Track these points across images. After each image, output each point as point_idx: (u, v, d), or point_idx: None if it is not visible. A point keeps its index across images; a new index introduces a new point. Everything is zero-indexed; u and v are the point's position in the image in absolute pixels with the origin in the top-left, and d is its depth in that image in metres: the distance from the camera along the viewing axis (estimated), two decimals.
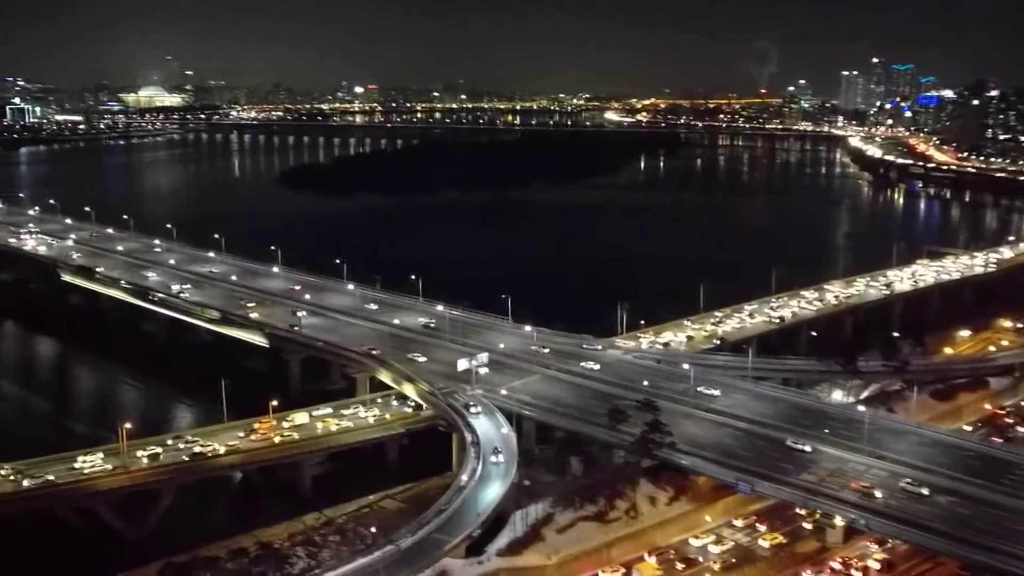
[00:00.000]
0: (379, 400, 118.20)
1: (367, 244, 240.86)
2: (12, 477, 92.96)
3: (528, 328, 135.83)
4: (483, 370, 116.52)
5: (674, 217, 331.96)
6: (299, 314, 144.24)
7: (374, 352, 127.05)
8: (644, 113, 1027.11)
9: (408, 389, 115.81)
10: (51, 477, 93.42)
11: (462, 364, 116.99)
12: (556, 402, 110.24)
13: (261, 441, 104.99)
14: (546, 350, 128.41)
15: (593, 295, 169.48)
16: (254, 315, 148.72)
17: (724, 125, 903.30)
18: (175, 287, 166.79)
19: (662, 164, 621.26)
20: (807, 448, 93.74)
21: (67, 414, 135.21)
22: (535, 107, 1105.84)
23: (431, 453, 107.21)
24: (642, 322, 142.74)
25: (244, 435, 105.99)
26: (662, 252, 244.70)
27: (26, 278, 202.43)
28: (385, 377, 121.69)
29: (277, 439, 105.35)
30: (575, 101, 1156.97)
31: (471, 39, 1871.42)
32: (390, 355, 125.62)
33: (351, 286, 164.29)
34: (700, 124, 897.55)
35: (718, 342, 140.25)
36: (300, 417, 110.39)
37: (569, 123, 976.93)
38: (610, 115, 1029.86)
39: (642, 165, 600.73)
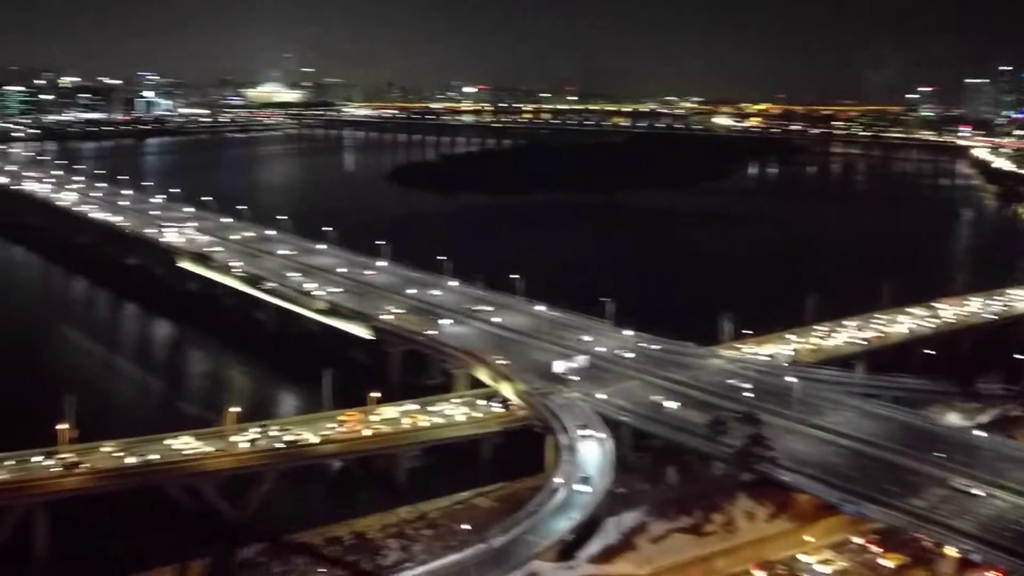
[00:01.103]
0: (471, 398, 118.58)
1: (470, 242, 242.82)
2: (118, 453, 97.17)
3: (629, 332, 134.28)
4: (581, 373, 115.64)
5: (783, 225, 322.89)
6: (441, 321, 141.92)
7: (473, 349, 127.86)
8: (756, 118, 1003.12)
9: (505, 388, 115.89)
10: (156, 457, 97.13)
11: (559, 366, 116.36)
12: (654, 409, 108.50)
13: (350, 433, 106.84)
14: (646, 355, 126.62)
15: (696, 302, 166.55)
16: (360, 308, 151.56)
17: (839, 132, 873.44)
18: (310, 285, 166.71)
19: (773, 171, 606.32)
20: (979, 492, 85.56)
21: (178, 395, 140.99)
22: (643, 110, 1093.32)
23: (525, 453, 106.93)
24: (745, 332, 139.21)
25: (334, 426, 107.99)
26: (768, 261, 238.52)
27: (149, 263, 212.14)
28: (483, 375, 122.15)
29: (367, 432, 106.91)
30: (685, 104, 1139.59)
31: (581, 40, 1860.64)
32: (488, 353, 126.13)
33: (453, 283, 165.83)
34: (814, 131, 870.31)
35: (824, 356, 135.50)
36: (389, 411, 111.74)
37: (678, 127, 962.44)
38: (720, 119, 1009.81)
39: (752, 171, 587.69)
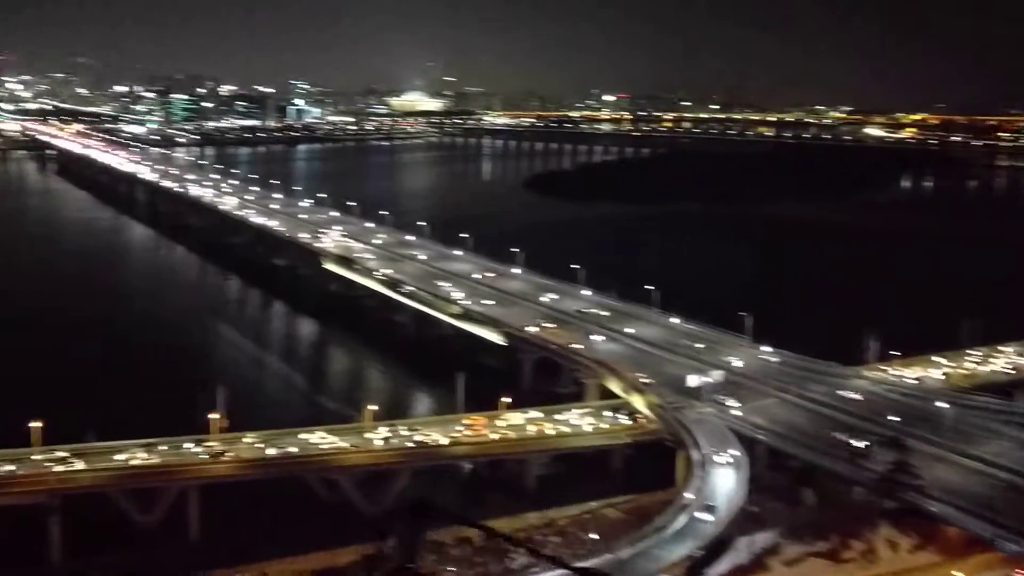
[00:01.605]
0: (597, 408, 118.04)
1: (606, 251, 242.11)
2: (259, 444, 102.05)
3: (767, 348, 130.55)
4: (716, 388, 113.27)
5: (937, 242, 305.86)
6: (592, 336, 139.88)
7: (605, 360, 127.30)
8: (911, 129, 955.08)
9: (637, 400, 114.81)
10: (294, 449, 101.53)
11: (693, 380, 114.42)
12: (792, 428, 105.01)
13: (476, 436, 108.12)
14: (785, 372, 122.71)
15: (840, 320, 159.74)
16: (493, 313, 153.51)
17: (1006, 144, 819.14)
18: (446, 290, 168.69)
19: (929, 184, 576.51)
20: None
21: (318, 390, 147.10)
22: (789, 119, 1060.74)
23: (655, 467, 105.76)
24: (892, 353, 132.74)
25: (461, 429, 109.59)
26: (919, 279, 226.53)
27: (296, 265, 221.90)
28: (614, 386, 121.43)
29: (493, 436, 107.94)
30: (833, 114, 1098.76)
31: (725, 48, 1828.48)
32: (621, 364, 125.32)
33: (586, 291, 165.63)
34: (976, 143, 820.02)
35: (979, 382, 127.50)
36: (515, 417, 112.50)
37: (825, 137, 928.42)
38: (871, 130, 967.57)
39: (906, 185, 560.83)
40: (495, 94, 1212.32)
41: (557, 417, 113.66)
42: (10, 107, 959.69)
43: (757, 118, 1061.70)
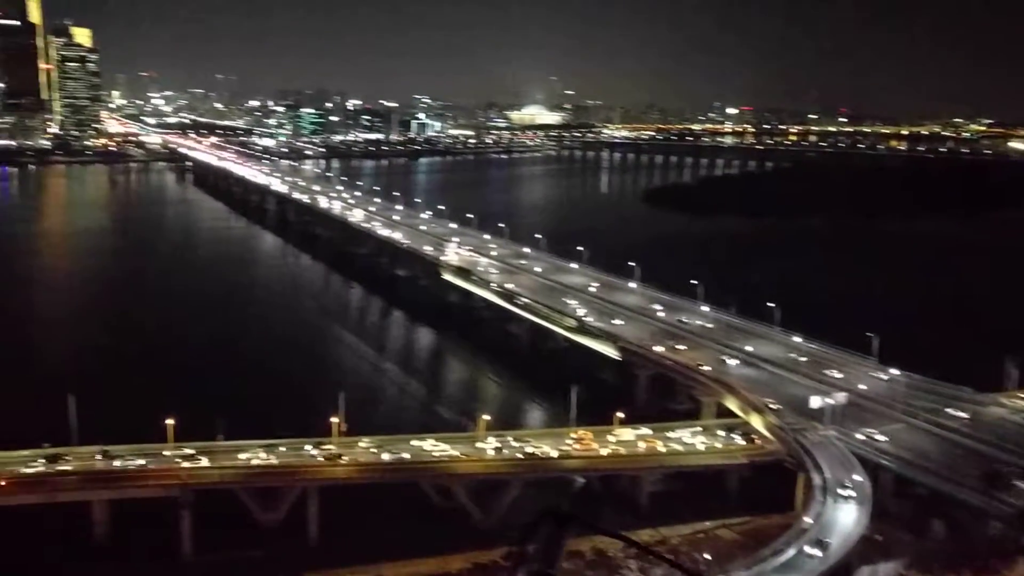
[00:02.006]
0: (710, 427, 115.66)
1: (725, 266, 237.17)
2: (374, 449, 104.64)
3: (895, 371, 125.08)
4: (839, 410, 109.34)
5: None
6: (729, 361, 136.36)
7: (722, 377, 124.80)
8: None
9: (755, 420, 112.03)
10: (407, 456, 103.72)
11: (816, 401, 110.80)
12: (920, 455, 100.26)
13: (586, 450, 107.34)
14: (913, 396, 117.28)
15: (976, 344, 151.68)
16: (608, 327, 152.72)
17: None
18: (562, 303, 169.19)
19: None
20: None
21: (433, 398, 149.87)
22: (924, 132, 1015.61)
23: (773, 489, 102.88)
24: None
25: (571, 442, 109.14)
26: None
27: (416, 275, 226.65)
28: (732, 404, 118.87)
29: (603, 451, 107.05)
30: (973, 127, 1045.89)
31: (853, 61, 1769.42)
32: (739, 382, 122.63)
33: (706, 308, 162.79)
34: None
35: None
36: (626, 433, 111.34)
37: (964, 151, 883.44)
38: (1016, 144, 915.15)
39: None
40: (615, 107, 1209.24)
41: (668, 435, 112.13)
42: (152, 121, 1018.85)
43: (889, 131, 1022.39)
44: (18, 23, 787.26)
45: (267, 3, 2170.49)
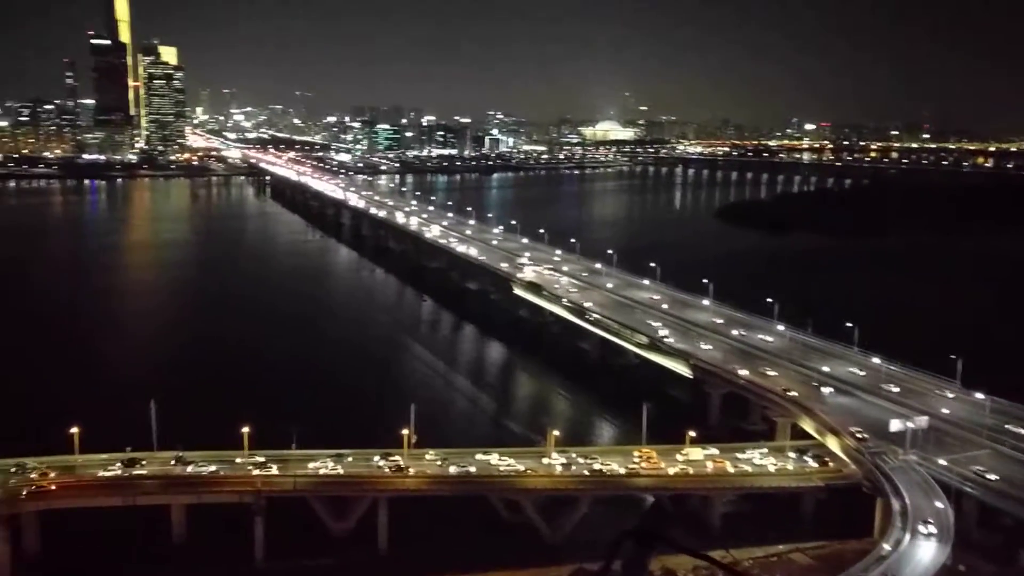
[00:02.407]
0: (780, 449, 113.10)
1: (800, 285, 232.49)
2: (438, 462, 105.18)
3: (980, 395, 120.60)
4: (920, 435, 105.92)
5: None
6: (823, 389, 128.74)
7: (796, 396, 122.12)
8: None
9: (832, 442, 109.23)
10: (472, 469, 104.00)
11: (896, 425, 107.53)
12: (1010, 483, 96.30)
13: (653, 468, 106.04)
14: (1000, 422, 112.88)
15: None
16: (680, 345, 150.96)
17: None
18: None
19: None
20: None
21: (502, 412, 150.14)
22: (1013, 149, 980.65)
23: (850, 514, 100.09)
24: None
25: (638, 460, 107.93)
26: None
27: (487, 289, 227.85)
28: (807, 425, 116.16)
29: (671, 470, 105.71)
30: None
31: (939, 75, 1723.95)
32: (815, 403, 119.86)
33: (780, 326, 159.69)
34: None
35: None
36: (695, 453, 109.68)
37: None
38: None
39: None
40: (689, 123, 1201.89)
41: (737, 455, 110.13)
42: (233, 136, 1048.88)
43: (975, 148, 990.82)
44: (109, 42, 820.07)
45: (346, 23, 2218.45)
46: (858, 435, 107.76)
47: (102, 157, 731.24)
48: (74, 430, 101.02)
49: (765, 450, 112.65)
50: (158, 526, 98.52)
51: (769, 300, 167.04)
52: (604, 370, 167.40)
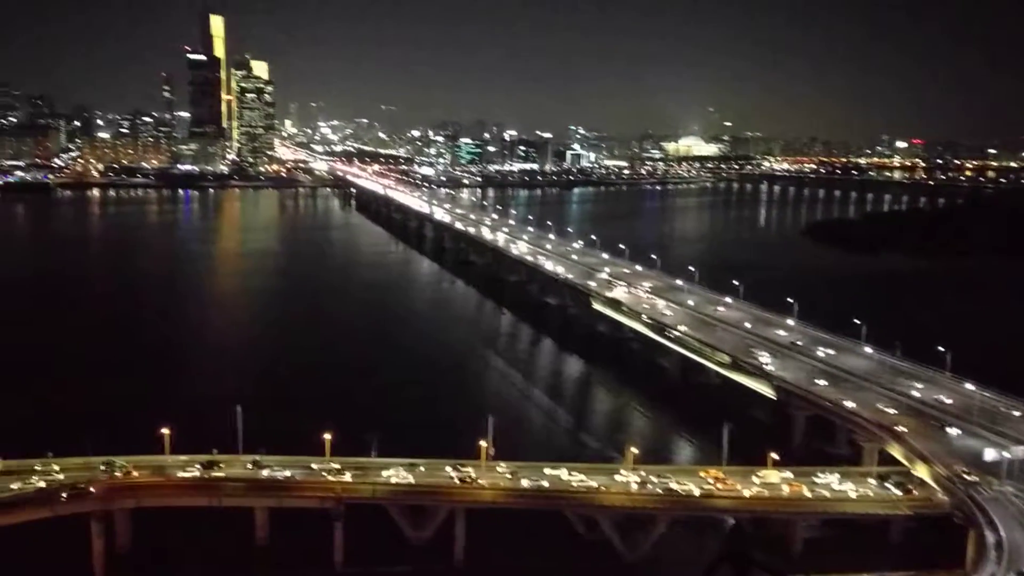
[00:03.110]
0: (862, 474, 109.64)
1: (892, 306, 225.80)
2: (508, 475, 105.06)
3: None
4: (1016, 465, 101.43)
5: None
6: (949, 430, 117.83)
7: (888, 423, 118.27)
8: None
9: (922, 470, 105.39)
10: (545, 483, 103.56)
11: (991, 454, 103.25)
12: None
13: (729, 490, 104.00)
14: None
15: None
16: (764, 365, 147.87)
17: None
18: (713, 337, 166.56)
19: None
20: None
21: (577, 427, 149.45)
22: None
23: (939, 544, 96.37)
24: None
25: (713, 481, 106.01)
26: None
27: (566, 304, 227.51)
28: (896, 452, 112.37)
29: (747, 492, 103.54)
30: None
31: None
32: (905, 428, 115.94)
33: (867, 348, 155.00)
34: None
35: None
36: (771, 475, 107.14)
37: None
38: None
39: None
40: (774, 139, 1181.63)
41: (815, 479, 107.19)
42: (320, 148, 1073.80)
43: None
44: (204, 58, 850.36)
45: (429, 37, 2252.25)
46: (951, 463, 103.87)
47: (195, 168, 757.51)
48: (164, 431, 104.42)
49: (845, 474, 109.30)
50: (241, 528, 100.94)
51: (857, 321, 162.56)
52: (684, 388, 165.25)
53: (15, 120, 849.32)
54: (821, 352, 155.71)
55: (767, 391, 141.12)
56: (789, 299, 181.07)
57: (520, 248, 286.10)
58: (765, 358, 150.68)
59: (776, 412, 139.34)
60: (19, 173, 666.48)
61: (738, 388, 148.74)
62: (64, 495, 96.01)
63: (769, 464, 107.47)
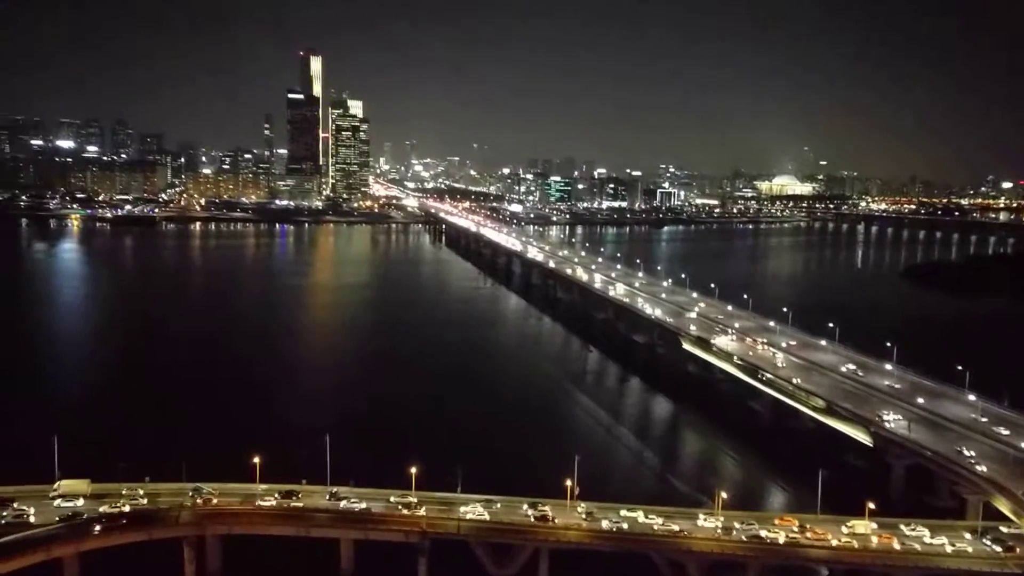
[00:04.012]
0: (953, 529, 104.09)
1: (998, 352, 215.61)
2: (585, 516, 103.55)
3: None
4: None
5: None
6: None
7: (994, 475, 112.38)
8: None
9: None
10: (624, 525, 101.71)
11: None
12: None
13: (818, 539, 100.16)
14: None
15: None
16: (861, 410, 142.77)
17: None
18: (807, 381, 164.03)
19: None
20: None
21: (667, 469, 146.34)
22: None
23: None
24: None
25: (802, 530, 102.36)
26: None
27: (654, 343, 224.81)
28: (1002, 506, 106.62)
29: (834, 542, 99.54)
30: None
31: None
32: (1013, 480, 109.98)
33: (972, 396, 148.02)
34: None
35: None
36: (859, 525, 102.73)
37: None
38: None
39: None
40: (872, 179, 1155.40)
41: (906, 531, 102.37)
42: (412, 185, 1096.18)
43: None
44: (303, 97, 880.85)
45: (521, 79, 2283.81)
46: None
47: (292, 203, 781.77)
48: (255, 459, 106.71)
49: (936, 528, 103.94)
50: (327, 558, 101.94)
51: (959, 367, 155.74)
52: (776, 432, 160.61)
53: (126, 156, 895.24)
54: (921, 398, 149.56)
55: (864, 438, 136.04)
56: (887, 343, 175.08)
57: (607, 285, 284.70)
58: (859, 403, 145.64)
59: (873, 460, 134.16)
60: (128, 207, 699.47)
61: (833, 434, 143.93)
62: (162, 519, 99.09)
63: (866, 514, 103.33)
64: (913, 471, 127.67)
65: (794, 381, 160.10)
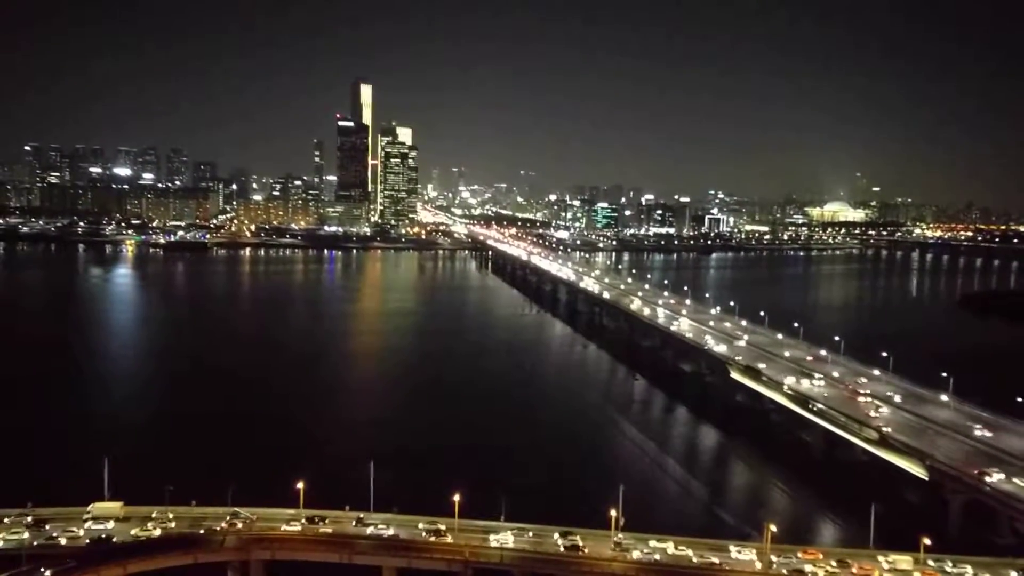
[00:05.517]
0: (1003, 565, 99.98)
1: None
2: (612, 546, 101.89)
3: None
4: None
5: None
6: None
7: None
8: None
9: None
10: (656, 557, 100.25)
11: None
12: None
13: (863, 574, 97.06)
14: None
15: None
16: (917, 443, 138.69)
17: None
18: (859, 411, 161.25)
19: None
20: None
21: (716, 500, 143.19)
22: None
23: None
24: None
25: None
26: None
27: (702, 371, 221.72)
28: None
29: None
30: None
31: None
32: None
33: None
34: None
35: None
36: (903, 561, 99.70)
37: None
38: None
39: None
40: (927, 205, 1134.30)
41: (949, 568, 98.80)
42: (459, 212, 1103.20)
43: None
44: (353, 124, 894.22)
45: (569, 106, 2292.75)
46: None
47: (340, 229, 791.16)
48: (299, 484, 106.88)
49: (977, 565, 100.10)
50: None
51: (1021, 399, 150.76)
52: (827, 465, 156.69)
53: (180, 183, 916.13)
54: (980, 431, 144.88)
55: (919, 471, 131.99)
56: (944, 373, 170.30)
57: (655, 313, 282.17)
58: (915, 435, 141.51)
59: (929, 494, 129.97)
60: (181, 232, 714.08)
61: (887, 467, 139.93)
62: (208, 542, 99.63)
63: (921, 550, 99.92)
64: (972, 506, 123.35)
65: (846, 412, 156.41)
